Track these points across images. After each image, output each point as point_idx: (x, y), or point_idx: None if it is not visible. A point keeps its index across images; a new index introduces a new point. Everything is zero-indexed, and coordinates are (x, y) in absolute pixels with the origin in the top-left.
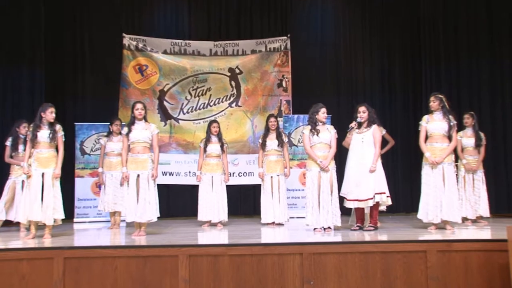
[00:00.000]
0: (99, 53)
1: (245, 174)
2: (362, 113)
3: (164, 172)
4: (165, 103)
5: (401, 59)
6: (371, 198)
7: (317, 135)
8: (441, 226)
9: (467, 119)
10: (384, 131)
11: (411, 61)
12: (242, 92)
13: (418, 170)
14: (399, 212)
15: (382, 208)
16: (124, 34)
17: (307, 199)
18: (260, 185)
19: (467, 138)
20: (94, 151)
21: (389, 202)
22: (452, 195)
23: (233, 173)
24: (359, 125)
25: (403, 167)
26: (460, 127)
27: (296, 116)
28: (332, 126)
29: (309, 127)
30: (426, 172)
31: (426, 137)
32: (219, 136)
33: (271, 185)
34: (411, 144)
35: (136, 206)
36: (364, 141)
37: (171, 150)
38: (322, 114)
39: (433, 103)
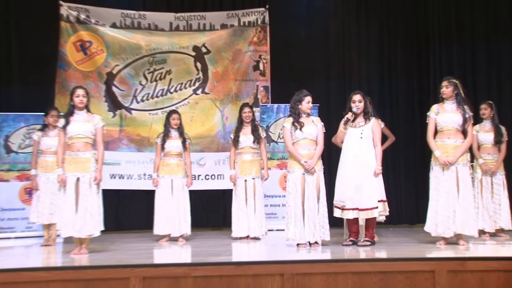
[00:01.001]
0: (29, 25)
1: (213, 177)
2: (358, 102)
3: (113, 175)
4: (114, 89)
5: (404, 39)
6: (376, 207)
7: (301, 129)
8: (453, 240)
9: (485, 110)
10: (382, 124)
11: (416, 42)
12: (210, 76)
13: (425, 173)
14: (402, 223)
15: (380, 218)
16: (61, 2)
17: (289, 208)
18: (231, 190)
19: (484, 133)
20: (24, 148)
21: (387, 212)
22: (467, 203)
23: (198, 176)
24: (354, 117)
25: (406, 169)
26: (476, 120)
27: (275, 106)
28: (318, 119)
29: (291, 119)
30: (436, 175)
31: (436, 132)
32: (181, 130)
33: (245, 190)
34: (415, 141)
35: (75, 217)
36: (364, 137)
37: (121, 147)
38: (307, 103)
39: (446, 89)
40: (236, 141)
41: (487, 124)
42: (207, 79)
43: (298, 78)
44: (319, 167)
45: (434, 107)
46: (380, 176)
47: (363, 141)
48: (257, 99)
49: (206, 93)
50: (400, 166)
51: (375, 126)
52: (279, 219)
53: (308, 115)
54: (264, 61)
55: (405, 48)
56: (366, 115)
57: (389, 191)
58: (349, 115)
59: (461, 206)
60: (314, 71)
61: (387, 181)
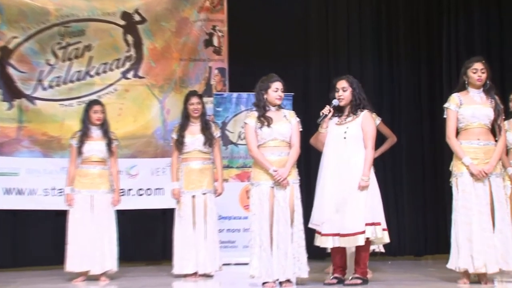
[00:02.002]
0: None
1: (149, 192)
2: (342, 91)
3: (8, 190)
4: (10, 70)
5: (408, 10)
6: (362, 232)
7: (269, 126)
8: (482, 277)
9: None
10: (378, 121)
11: (425, 13)
12: (146, 53)
13: (437, 186)
14: (405, 254)
15: (375, 246)
16: None
17: (253, 234)
18: (174, 210)
19: None
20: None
21: (386, 239)
22: (504, 222)
23: (128, 190)
24: (338, 111)
25: (411, 181)
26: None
27: (235, 95)
28: (293, 113)
29: (256, 113)
30: (464, 189)
31: (457, 131)
32: (105, 127)
33: (193, 210)
34: (423, 144)
35: None
36: (348, 137)
37: (20, 151)
38: (276, 92)
39: (482, 74)
40: (180, 143)
41: None
42: (142, 58)
43: (266, 58)
44: (294, 178)
45: (455, 97)
46: (377, 191)
47: (348, 142)
48: (210, 85)
49: (140, 77)
50: (403, 177)
51: (367, 121)
52: (239, 249)
53: (279, 107)
54: (220, 34)
55: (409, 22)
56: (355, 108)
57: (389, 211)
58: (326, 110)
59: (499, 230)
60: (288, 50)
61: (385, 198)
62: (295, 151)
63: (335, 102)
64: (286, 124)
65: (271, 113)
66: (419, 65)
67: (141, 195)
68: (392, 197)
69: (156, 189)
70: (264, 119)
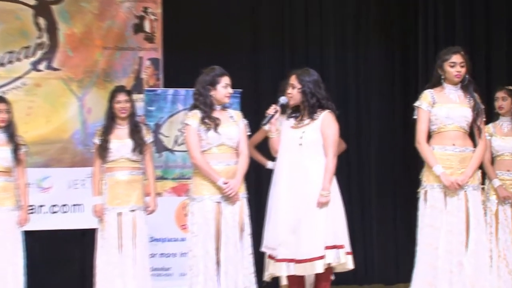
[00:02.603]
0: None
1: (64, 209)
2: (291, 88)
3: None
4: None
5: None
6: (320, 257)
7: (215, 129)
8: None
9: (503, 101)
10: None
11: None
12: (62, 40)
13: (412, 200)
14: (373, 283)
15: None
16: None
17: (194, 259)
18: (95, 230)
19: (502, 138)
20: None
21: (351, 265)
22: (479, 246)
23: (40, 207)
24: (295, 111)
25: (381, 195)
26: (487, 116)
27: (171, 91)
28: (240, 113)
29: (199, 113)
30: (433, 204)
31: (429, 135)
32: (10, 130)
33: (119, 230)
34: (396, 148)
35: None
36: (305, 143)
37: None
38: (226, 89)
39: (461, 68)
40: (103, 150)
41: (505, 124)
42: (56, 46)
43: (209, 48)
44: (243, 192)
45: (428, 94)
46: (336, 207)
47: (305, 149)
48: (141, 80)
49: (54, 69)
50: (371, 190)
51: (327, 124)
52: (175, 277)
53: (224, 107)
54: (153, 17)
55: (381, 7)
56: (312, 108)
57: (354, 231)
58: (272, 110)
59: (473, 251)
60: (235, 39)
61: (350, 216)
62: (245, 159)
63: (283, 100)
64: (234, 127)
65: (217, 113)
66: (391, 57)
67: (55, 212)
68: (358, 214)
69: (74, 205)
70: (209, 120)
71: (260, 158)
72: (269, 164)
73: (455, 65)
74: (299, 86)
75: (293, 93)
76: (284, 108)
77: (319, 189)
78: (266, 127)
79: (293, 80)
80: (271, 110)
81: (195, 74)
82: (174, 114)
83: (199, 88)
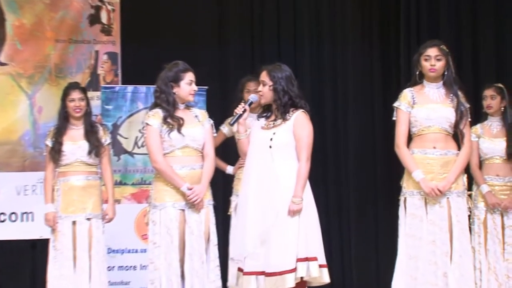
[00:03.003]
0: None
1: (13, 218)
2: (262, 85)
3: None
4: None
5: None
6: (291, 271)
7: (178, 130)
8: None
9: (491, 100)
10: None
11: None
12: (9, 32)
13: (392, 208)
14: None
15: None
16: None
17: (155, 272)
18: (47, 241)
19: (490, 140)
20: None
21: (326, 279)
22: (464, 258)
23: None
24: (266, 110)
25: (360, 202)
26: (475, 116)
27: (130, 88)
28: (205, 113)
29: (160, 112)
30: (413, 212)
31: (409, 137)
32: None
33: (74, 241)
34: (375, 151)
35: None
36: (275, 145)
37: None
38: (190, 86)
39: (436, 62)
40: (56, 152)
41: (494, 124)
42: (4, 39)
43: (172, 41)
44: (209, 199)
45: (407, 94)
46: (309, 215)
47: (275, 152)
48: (97, 76)
49: (2, 64)
50: (350, 195)
51: (300, 125)
52: None
53: (189, 106)
54: (110, 7)
55: None
56: (283, 107)
57: (330, 242)
58: (240, 108)
59: (456, 262)
60: (200, 30)
61: (325, 224)
62: (211, 162)
63: (252, 98)
64: (199, 127)
65: (181, 113)
66: (370, 52)
67: (2, 221)
68: (335, 223)
69: (24, 213)
70: (172, 120)
71: (219, 162)
72: (229, 169)
73: (429, 58)
74: (270, 83)
75: (264, 90)
76: (247, 102)
77: (291, 196)
78: (234, 128)
79: (264, 76)
80: (239, 109)
81: (157, 70)
82: (133, 113)
83: (161, 85)
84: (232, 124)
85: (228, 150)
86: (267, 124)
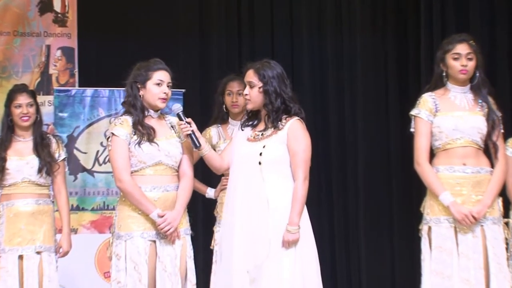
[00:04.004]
0: None
1: None
2: (249, 87)
3: None
4: None
5: None
6: None
7: (151, 142)
8: None
9: None
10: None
11: None
12: None
13: (413, 239)
14: None
15: None
16: None
17: None
18: None
19: None
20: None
21: None
22: None
23: None
24: (252, 117)
25: (371, 230)
26: (510, 126)
27: (89, 92)
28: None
29: (129, 119)
30: (439, 245)
31: (431, 152)
32: None
33: (20, 279)
34: (391, 170)
35: None
36: (266, 161)
37: None
38: (159, 87)
39: (468, 61)
40: None
41: None
42: None
43: (142, 35)
44: (186, 227)
45: (428, 100)
46: (307, 247)
47: (266, 170)
48: (49, 76)
49: None
50: (359, 222)
51: (297, 135)
52: None
53: (163, 114)
54: None
55: None
56: (275, 114)
57: (336, 277)
58: (187, 128)
59: None
60: (176, 20)
61: (327, 256)
62: (189, 183)
63: (176, 109)
64: (175, 139)
65: (154, 121)
66: (383, 46)
67: None
68: (341, 251)
69: None
70: (143, 129)
71: (197, 184)
72: (209, 192)
73: (460, 57)
74: (259, 84)
75: (251, 94)
76: (180, 117)
77: (285, 223)
78: (199, 149)
79: (251, 76)
80: (186, 129)
81: (122, 70)
82: (93, 122)
83: (128, 86)
84: (198, 147)
85: (206, 167)
86: (254, 135)
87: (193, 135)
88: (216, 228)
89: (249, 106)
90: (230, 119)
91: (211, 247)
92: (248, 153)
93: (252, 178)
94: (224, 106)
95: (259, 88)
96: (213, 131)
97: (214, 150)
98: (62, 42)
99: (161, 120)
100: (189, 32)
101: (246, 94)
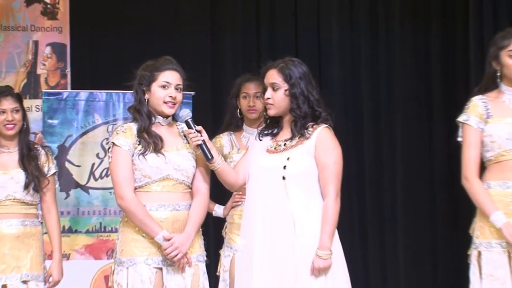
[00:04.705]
0: None
1: None
2: (271, 90)
3: None
4: None
5: None
6: None
7: (157, 152)
8: None
9: None
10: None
11: None
12: None
13: (457, 263)
14: None
15: None
16: None
17: None
18: None
19: None
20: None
21: None
22: None
23: None
24: (271, 123)
25: (412, 258)
26: None
27: (84, 95)
28: (198, 128)
29: (132, 127)
30: (490, 272)
31: (482, 164)
32: None
33: None
34: (435, 185)
35: None
36: (290, 175)
37: None
38: (165, 90)
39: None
40: None
41: None
42: None
43: (145, 28)
44: (199, 253)
45: (478, 104)
46: (339, 273)
47: (290, 186)
48: (37, 77)
49: None
50: (398, 246)
51: (327, 146)
52: None
53: (173, 118)
54: None
55: None
56: (304, 120)
57: None
58: (197, 138)
59: None
60: (184, 18)
61: (361, 282)
62: (203, 202)
63: (185, 115)
64: (187, 150)
65: (159, 128)
66: (426, 42)
67: None
68: (376, 278)
69: None
70: (149, 138)
71: None
72: (217, 210)
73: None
74: (285, 86)
75: (275, 97)
76: (188, 124)
77: (315, 247)
78: (211, 162)
79: (274, 76)
80: (196, 139)
81: (122, 70)
82: (88, 130)
83: (134, 89)
84: (210, 160)
85: (217, 182)
86: (275, 145)
87: (203, 146)
88: (223, 252)
89: (272, 112)
90: (244, 126)
91: (218, 274)
92: (269, 166)
93: (275, 195)
94: (238, 111)
95: (285, 90)
96: (224, 139)
97: (225, 161)
98: (52, 37)
99: (171, 128)
100: (198, 26)
101: (269, 98)
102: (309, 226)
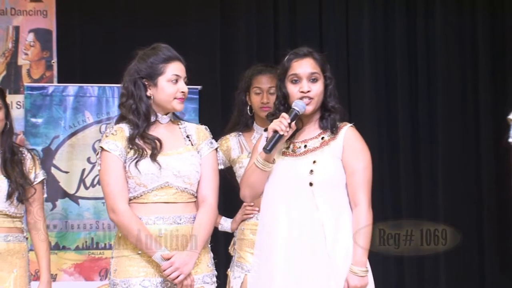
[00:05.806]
0: None
1: None
2: (310, 82)
3: None
4: None
5: None
6: None
7: (155, 158)
8: None
9: None
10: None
11: None
12: None
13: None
14: None
15: None
16: None
17: None
18: None
19: None
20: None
21: None
22: None
23: None
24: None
25: (452, 270)
26: None
27: (72, 90)
28: (203, 129)
29: (126, 129)
30: None
31: None
32: None
33: None
34: (481, 190)
35: None
36: (318, 182)
37: None
38: (174, 84)
39: None
40: None
41: None
42: None
43: (143, 13)
44: (206, 273)
45: None
46: None
47: (318, 194)
48: (18, 68)
49: None
50: (439, 275)
51: (355, 148)
52: None
53: (177, 117)
54: None
55: None
56: (327, 119)
57: None
58: (283, 124)
59: None
60: (184, 3)
61: None
62: (210, 214)
63: (299, 106)
64: (190, 153)
65: (158, 128)
66: (471, 23)
67: None
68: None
69: None
70: (144, 141)
71: None
72: (224, 223)
73: None
74: (322, 77)
75: (314, 91)
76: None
77: (347, 263)
78: (266, 154)
79: (313, 65)
80: (279, 125)
81: (117, 60)
82: (78, 130)
83: (128, 84)
84: (269, 151)
85: (224, 190)
86: (293, 147)
87: (277, 138)
88: (233, 273)
89: (311, 108)
90: (255, 125)
91: None
92: (290, 172)
93: (301, 205)
94: (248, 108)
95: (323, 81)
96: (232, 141)
97: (232, 166)
98: (35, 22)
99: (172, 127)
100: (206, 8)
101: (309, 91)
102: (342, 241)
